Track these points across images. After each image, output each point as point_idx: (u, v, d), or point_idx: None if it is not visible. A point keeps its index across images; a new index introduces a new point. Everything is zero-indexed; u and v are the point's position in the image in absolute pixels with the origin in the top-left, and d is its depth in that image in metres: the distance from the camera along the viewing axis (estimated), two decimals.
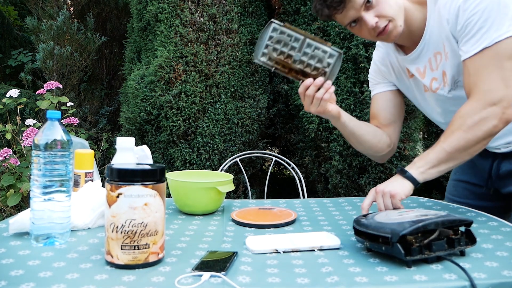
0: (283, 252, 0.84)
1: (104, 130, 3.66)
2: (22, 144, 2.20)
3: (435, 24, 1.03)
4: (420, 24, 1.05)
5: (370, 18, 1.00)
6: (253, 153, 2.18)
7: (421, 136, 3.41)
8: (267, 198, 2.01)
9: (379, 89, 1.25)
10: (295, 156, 3.02)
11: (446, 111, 1.14)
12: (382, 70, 1.24)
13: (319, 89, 1.03)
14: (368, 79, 1.29)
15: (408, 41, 1.09)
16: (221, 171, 2.03)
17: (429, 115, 1.23)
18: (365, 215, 0.89)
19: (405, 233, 0.74)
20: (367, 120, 1.26)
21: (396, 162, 2.44)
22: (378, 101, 1.25)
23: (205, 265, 0.74)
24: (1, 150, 2.11)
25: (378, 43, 1.25)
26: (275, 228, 1.03)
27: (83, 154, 1.11)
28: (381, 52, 1.24)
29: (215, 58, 2.65)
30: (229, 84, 2.66)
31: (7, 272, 0.71)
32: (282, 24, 1.02)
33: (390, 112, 1.23)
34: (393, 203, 0.95)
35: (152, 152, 2.65)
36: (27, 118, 2.43)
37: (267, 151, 2.29)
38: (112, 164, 0.79)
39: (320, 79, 1.02)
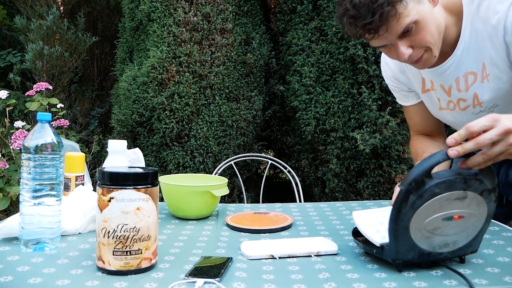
0: (279, 257, 0.83)
1: (95, 133, 3.62)
2: (11, 147, 2.17)
3: (473, 42, 0.93)
4: (453, 38, 0.95)
5: (403, 49, 0.89)
6: (248, 156, 2.17)
7: None
8: (262, 202, 2.00)
9: (411, 101, 1.15)
10: (291, 159, 3.01)
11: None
12: (402, 80, 1.13)
13: None
14: (389, 87, 1.19)
15: None
16: (215, 174, 2.01)
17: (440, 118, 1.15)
18: None
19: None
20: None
21: (395, 166, 2.43)
22: (417, 115, 1.15)
23: (199, 271, 0.73)
24: None
25: None
26: (270, 233, 1.02)
27: (74, 157, 1.10)
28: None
29: (209, 59, 2.63)
30: (223, 85, 2.65)
31: None
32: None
33: (434, 120, 1.15)
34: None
35: (145, 155, 2.62)
36: (16, 120, 2.39)
37: (263, 154, 2.28)
38: (104, 168, 0.79)
39: None
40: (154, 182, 0.77)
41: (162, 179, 1.18)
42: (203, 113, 2.62)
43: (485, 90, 0.95)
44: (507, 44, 0.88)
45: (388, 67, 1.15)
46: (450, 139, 0.71)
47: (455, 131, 1.11)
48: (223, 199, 2.56)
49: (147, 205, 0.74)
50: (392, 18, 0.84)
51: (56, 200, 0.86)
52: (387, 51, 0.94)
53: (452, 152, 0.70)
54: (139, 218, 0.73)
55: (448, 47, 0.96)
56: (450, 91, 1.01)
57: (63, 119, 2.51)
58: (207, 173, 2.58)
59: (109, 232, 0.73)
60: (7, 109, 2.47)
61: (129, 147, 1.11)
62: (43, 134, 0.85)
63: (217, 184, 1.16)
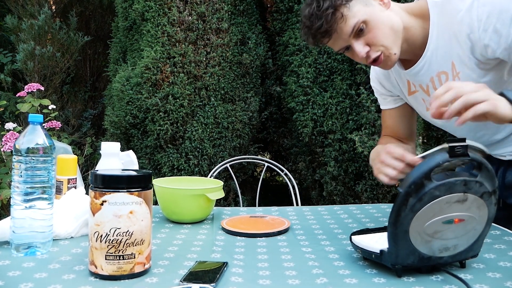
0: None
1: (88, 135, 3.59)
2: (1, 149, 2.14)
3: (441, 42, 0.95)
4: (421, 39, 0.98)
5: (359, 47, 0.94)
6: (244, 158, 2.16)
7: (421, 140, 3.40)
8: (258, 205, 1.99)
9: (388, 105, 1.21)
10: (288, 161, 3.00)
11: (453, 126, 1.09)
12: (386, 85, 1.18)
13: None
14: (373, 90, 1.24)
15: (408, 56, 1.02)
16: (210, 177, 2.00)
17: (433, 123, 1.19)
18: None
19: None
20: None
21: None
22: (391, 118, 1.21)
23: (194, 276, 0.73)
24: None
25: None
26: (267, 237, 1.01)
27: (66, 160, 1.09)
28: None
29: (204, 59, 2.62)
30: (219, 86, 2.64)
31: None
32: None
33: (406, 127, 1.21)
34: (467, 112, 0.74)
35: (138, 158, 2.60)
36: (7, 122, 2.36)
37: (259, 157, 2.27)
38: (96, 170, 0.78)
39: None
40: (148, 185, 0.76)
41: (156, 182, 1.17)
42: (198, 115, 2.60)
43: None
44: (472, 41, 0.90)
45: (374, 69, 1.20)
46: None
47: (450, 135, 1.12)
48: (219, 203, 2.54)
49: (140, 209, 0.73)
50: (339, 21, 0.92)
51: (48, 204, 0.85)
52: (351, 54, 0.99)
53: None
54: (132, 222, 0.72)
55: (418, 49, 0.99)
56: (428, 91, 1.05)
57: (55, 121, 2.49)
58: (202, 176, 2.57)
59: (101, 236, 0.72)
60: None
61: (122, 149, 1.10)
62: (35, 136, 0.84)
63: (212, 187, 1.15)
